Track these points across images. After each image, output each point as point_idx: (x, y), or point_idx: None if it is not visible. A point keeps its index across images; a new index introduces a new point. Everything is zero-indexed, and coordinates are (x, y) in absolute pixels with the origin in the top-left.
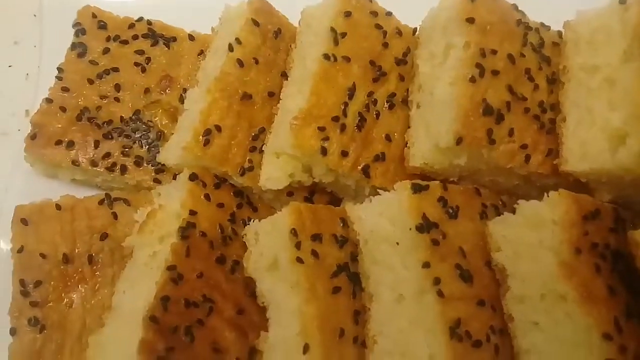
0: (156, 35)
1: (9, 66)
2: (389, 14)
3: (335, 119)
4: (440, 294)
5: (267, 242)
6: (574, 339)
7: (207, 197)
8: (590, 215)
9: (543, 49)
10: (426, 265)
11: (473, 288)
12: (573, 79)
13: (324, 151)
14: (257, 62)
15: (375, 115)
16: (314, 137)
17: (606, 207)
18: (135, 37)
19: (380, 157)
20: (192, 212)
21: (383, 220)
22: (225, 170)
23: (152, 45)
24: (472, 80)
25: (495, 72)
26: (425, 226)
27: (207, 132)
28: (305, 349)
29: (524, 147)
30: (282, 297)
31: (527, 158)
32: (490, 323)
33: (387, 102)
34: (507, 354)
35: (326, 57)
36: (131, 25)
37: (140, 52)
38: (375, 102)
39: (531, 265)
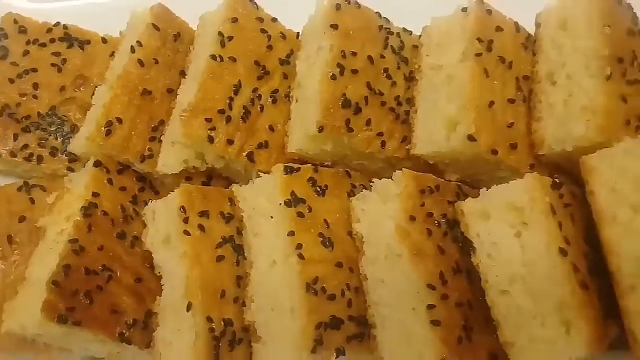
0: (72, 38)
1: None
2: (275, 19)
3: (222, 111)
4: (300, 256)
5: (161, 219)
6: (407, 290)
7: (109, 181)
8: (428, 190)
9: (403, 51)
10: (291, 233)
11: (333, 253)
12: (424, 77)
13: (210, 139)
14: (157, 62)
15: (259, 109)
16: (201, 127)
17: (448, 185)
18: (52, 40)
19: (263, 145)
20: (95, 194)
21: (262, 198)
22: (127, 157)
23: (68, 48)
24: (333, 77)
25: (354, 71)
26: (293, 201)
27: (109, 124)
28: (189, 306)
29: (380, 134)
30: (172, 265)
31: (383, 144)
32: (346, 282)
33: (270, 97)
34: (361, 307)
35: (213, 57)
36: (49, 30)
37: (57, 54)
38: (259, 97)
39: (379, 231)
